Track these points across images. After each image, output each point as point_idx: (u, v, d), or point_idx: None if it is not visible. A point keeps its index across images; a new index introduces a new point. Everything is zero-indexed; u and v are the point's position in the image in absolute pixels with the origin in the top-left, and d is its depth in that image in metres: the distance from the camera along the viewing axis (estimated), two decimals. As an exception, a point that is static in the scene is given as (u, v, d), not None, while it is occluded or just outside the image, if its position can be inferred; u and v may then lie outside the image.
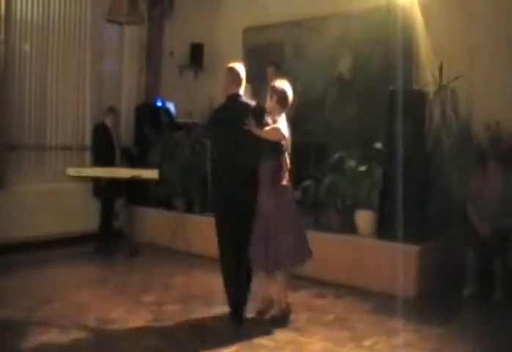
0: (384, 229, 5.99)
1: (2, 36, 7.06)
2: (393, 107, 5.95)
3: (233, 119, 4.78)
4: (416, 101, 5.93)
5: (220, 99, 7.84)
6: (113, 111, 7.90)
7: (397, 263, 5.61)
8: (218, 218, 4.93)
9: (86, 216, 7.81)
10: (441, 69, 6.17)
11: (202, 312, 5.07)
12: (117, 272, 6.77)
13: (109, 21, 8.18)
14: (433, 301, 5.54)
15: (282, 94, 4.85)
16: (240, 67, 5.04)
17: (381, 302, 5.45)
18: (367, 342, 4.41)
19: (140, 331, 4.59)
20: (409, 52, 6.79)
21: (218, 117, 5.06)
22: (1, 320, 4.78)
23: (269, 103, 4.87)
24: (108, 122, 7.74)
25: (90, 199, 7.70)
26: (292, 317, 4.91)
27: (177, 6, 9.40)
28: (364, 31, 7.31)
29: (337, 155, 6.54)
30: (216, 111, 5.17)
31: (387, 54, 6.98)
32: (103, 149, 7.62)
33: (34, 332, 4.46)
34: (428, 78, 6.30)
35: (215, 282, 5.81)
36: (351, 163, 6.37)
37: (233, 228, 4.80)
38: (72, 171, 7.24)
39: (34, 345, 4.21)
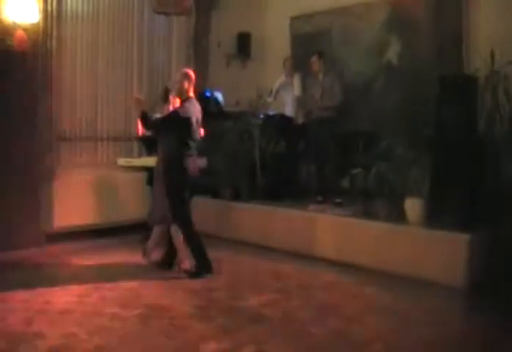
0: (433, 218, 5.90)
1: (54, 32, 7.21)
2: (443, 92, 5.85)
3: None
4: (467, 86, 5.82)
5: (268, 87, 7.96)
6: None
7: (447, 252, 5.54)
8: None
9: (135, 205, 7.94)
10: (492, 54, 6.02)
11: (248, 299, 5.12)
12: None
13: (157, 13, 8.28)
14: (484, 290, 5.41)
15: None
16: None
17: (431, 291, 5.37)
18: (417, 331, 4.37)
19: (189, 316, 4.65)
20: (459, 37, 6.64)
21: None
22: (55, 303, 4.92)
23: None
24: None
25: (140, 189, 7.82)
26: (340, 305, 4.93)
27: (224, -4, 9.42)
28: (412, 17, 7.18)
29: (385, 143, 6.47)
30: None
31: (436, 39, 6.84)
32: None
33: (87, 317, 4.58)
34: (478, 64, 6.16)
35: (261, 269, 5.88)
36: (400, 150, 6.29)
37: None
38: (122, 161, 7.36)
39: (87, 329, 4.32)
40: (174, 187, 5.79)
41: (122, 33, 8.25)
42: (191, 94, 5.90)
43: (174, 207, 5.81)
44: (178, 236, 5.91)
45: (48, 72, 7.17)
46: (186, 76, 5.86)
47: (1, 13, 6.61)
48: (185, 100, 5.85)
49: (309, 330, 4.36)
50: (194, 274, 5.78)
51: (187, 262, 5.92)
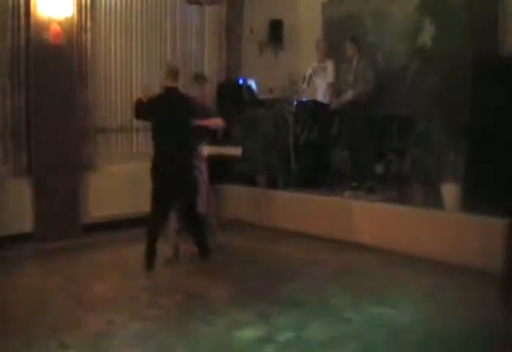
0: (470, 203, 5.83)
1: (89, 24, 7.32)
2: (479, 75, 5.76)
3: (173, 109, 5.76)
4: (503, 69, 5.71)
5: (300, 73, 7.92)
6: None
7: (483, 237, 5.48)
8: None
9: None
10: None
11: (285, 285, 5.16)
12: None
13: (190, 3, 8.34)
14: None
15: None
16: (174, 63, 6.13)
17: (469, 277, 5.31)
18: (454, 316, 4.35)
19: (226, 303, 4.72)
20: (495, 17, 6.49)
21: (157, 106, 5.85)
22: (94, 291, 5.05)
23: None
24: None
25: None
26: (376, 291, 4.96)
27: (255, -17, 9.40)
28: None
29: (420, 127, 6.40)
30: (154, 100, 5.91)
31: (471, 22, 6.69)
32: None
33: (127, 304, 4.68)
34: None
35: (297, 255, 5.89)
36: (436, 135, 6.22)
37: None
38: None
39: (126, 316, 4.42)
40: None
41: (155, 24, 8.33)
42: (172, 85, 5.89)
43: None
44: None
45: (84, 65, 7.30)
46: (167, 68, 6.03)
47: (36, 8, 6.73)
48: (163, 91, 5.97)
49: (345, 316, 4.38)
50: None
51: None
